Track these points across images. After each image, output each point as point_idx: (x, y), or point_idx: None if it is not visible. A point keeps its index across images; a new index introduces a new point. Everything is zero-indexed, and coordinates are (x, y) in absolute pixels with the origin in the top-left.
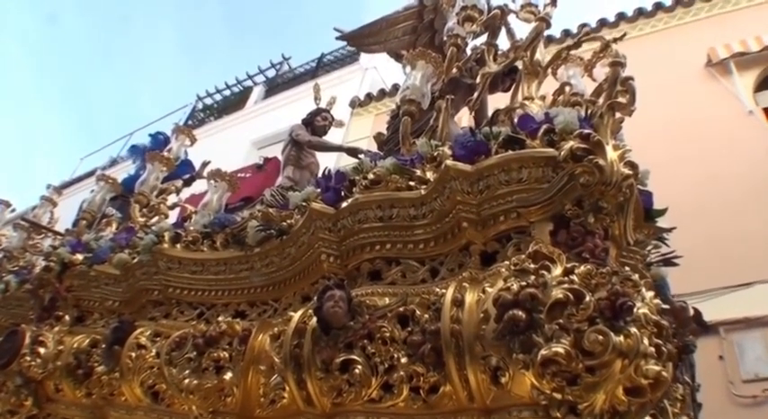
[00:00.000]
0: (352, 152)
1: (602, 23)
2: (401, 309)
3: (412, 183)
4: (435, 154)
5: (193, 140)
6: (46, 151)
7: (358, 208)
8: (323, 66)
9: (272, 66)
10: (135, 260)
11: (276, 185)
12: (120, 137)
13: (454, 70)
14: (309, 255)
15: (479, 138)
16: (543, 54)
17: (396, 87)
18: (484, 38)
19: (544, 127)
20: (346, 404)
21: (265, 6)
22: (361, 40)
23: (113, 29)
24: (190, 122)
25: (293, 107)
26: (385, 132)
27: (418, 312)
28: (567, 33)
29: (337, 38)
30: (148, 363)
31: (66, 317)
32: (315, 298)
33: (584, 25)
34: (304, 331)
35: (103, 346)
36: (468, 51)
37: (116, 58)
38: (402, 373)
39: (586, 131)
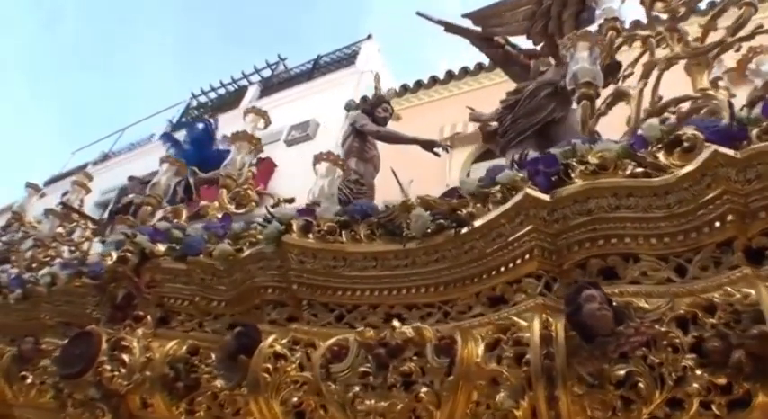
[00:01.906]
0: (428, 145)
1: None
2: (681, 312)
3: (640, 170)
4: (683, 137)
5: (268, 122)
6: (37, 144)
7: (587, 195)
8: (319, 67)
9: (268, 65)
10: (246, 252)
11: (343, 179)
12: (112, 132)
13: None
14: (511, 250)
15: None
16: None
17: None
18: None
19: None
20: None
21: (263, 6)
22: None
23: (109, 25)
24: (183, 119)
25: (289, 107)
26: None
27: (700, 314)
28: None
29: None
30: (291, 377)
31: (149, 318)
32: (565, 300)
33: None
34: (550, 339)
35: (222, 356)
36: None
37: (111, 53)
38: (696, 386)
39: None
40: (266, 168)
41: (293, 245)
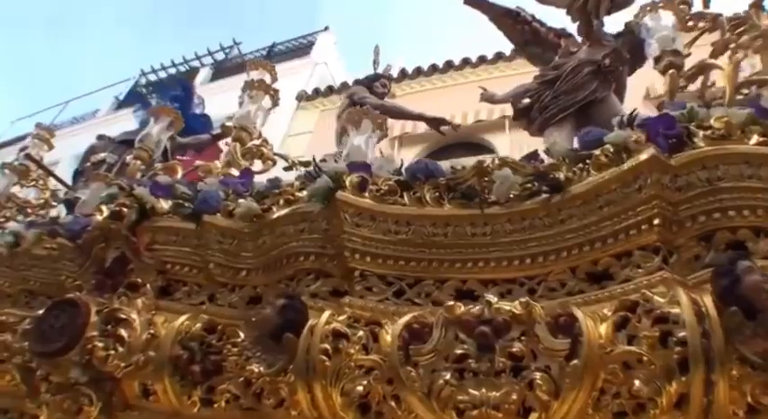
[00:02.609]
0: (435, 122)
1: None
2: None
3: (764, 139)
4: None
5: (274, 77)
6: None
7: (717, 161)
8: (273, 55)
9: (222, 49)
10: (278, 212)
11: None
12: (55, 104)
13: None
14: (624, 219)
15: None
16: None
17: (345, 85)
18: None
19: None
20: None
21: None
22: None
23: None
24: (131, 97)
25: (240, 93)
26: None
27: None
28: None
29: None
30: (356, 361)
31: (148, 287)
32: (717, 271)
33: None
34: (701, 315)
35: (259, 334)
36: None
37: (60, 22)
38: None
39: None
40: (212, 153)
41: (349, 204)
